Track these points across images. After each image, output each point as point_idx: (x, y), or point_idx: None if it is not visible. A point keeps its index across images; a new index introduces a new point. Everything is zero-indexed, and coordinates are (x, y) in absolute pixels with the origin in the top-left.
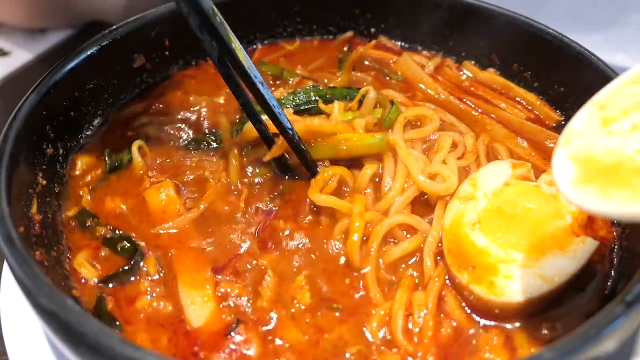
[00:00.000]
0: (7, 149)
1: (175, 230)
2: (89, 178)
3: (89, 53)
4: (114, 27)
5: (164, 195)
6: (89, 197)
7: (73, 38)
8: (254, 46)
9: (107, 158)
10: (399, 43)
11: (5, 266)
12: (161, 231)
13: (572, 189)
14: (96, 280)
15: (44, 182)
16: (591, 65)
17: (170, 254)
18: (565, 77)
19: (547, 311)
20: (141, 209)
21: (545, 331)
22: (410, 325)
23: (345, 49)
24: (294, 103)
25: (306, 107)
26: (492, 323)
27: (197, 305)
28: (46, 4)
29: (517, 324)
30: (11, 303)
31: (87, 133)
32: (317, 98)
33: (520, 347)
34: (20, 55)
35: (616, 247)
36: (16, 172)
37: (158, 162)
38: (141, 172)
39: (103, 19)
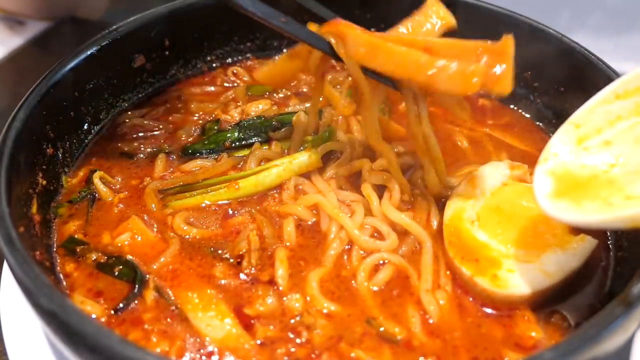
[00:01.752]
0: (7, 149)
1: (167, 260)
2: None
3: (88, 53)
4: (114, 27)
5: (137, 234)
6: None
7: (51, 30)
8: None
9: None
10: None
11: (5, 266)
12: (154, 266)
13: (549, 202)
14: (104, 318)
15: (44, 182)
16: (592, 66)
17: (169, 284)
18: (565, 77)
19: (551, 304)
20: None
21: (555, 322)
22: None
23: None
24: (242, 136)
25: (256, 139)
26: (499, 313)
27: (213, 325)
28: None
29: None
30: (11, 303)
31: (87, 132)
32: (264, 128)
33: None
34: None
35: (616, 247)
36: (16, 172)
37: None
38: (110, 199)
39: (83, 16)
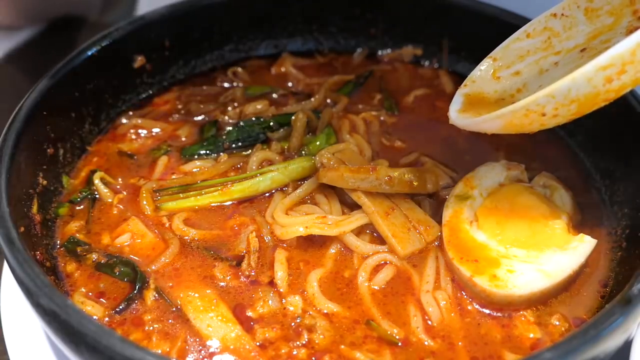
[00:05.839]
0: (7, 149)
1: (167, 261)
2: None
3: (89, 53)
4: (114, 27)
5: (137, 235)
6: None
7: (46, 33)
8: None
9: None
10: (395, 42)
11: (6, 266)
12: (154, 267)
13: (455, 113)
14: (105, 318)
15: (45, 182)
16: None
17: (169, 284)
18: None
19: (551, 304)
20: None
21: (555, 322)
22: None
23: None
24: (240, 137)
25: (254, 140)
26: (499, 313)
27: (213, 326)
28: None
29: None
30: (11, 303)
31: (87, 132)
32: (262, 129)
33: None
34: None
35: (616, 247)
36: (16, 172)
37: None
38: (110, 200)
39: (78, 14)
